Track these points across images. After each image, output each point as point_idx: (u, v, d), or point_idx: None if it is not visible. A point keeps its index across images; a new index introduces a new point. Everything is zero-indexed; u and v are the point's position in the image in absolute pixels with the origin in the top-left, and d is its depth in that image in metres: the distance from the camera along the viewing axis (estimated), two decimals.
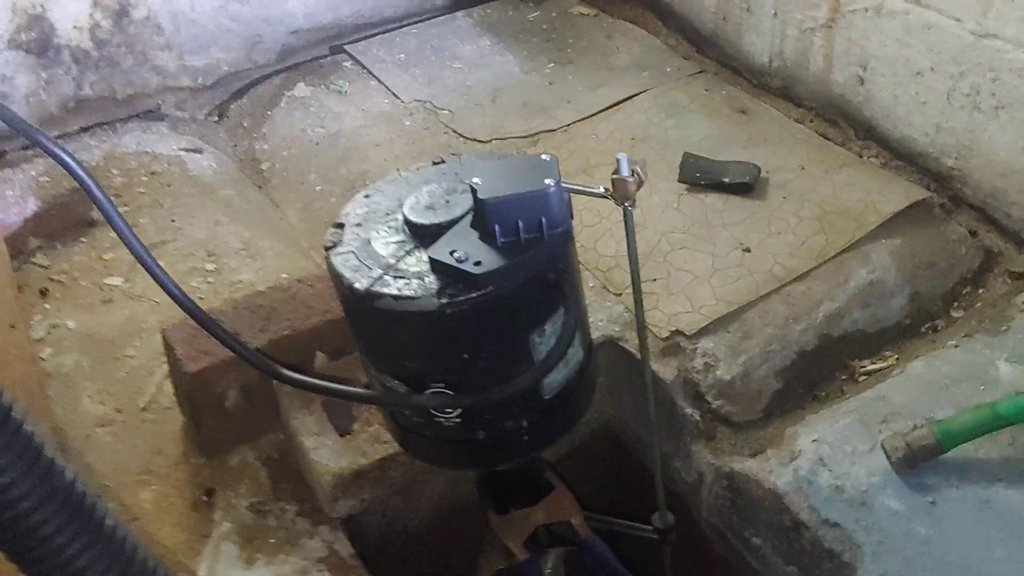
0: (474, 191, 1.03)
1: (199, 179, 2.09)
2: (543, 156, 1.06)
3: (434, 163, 1.23)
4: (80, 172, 1.00)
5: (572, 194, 1.05)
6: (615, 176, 1.04)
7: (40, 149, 0.97)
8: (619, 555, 1.42)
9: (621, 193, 1.04)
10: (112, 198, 1.93)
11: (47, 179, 1.94)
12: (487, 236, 1.03)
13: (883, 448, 1.36)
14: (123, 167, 2.08)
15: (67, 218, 1.90)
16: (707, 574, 1.68)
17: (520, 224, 1.01)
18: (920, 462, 1.34)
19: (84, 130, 2.23)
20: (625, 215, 1.08)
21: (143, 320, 1.72)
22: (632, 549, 1.49)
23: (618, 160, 1.03)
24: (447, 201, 1.10)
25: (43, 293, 1.78)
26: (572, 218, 1.08)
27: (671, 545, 1.41)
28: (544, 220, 1.02)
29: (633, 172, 1.04)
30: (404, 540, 1.59)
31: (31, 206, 1.87)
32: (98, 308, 1.75)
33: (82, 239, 1.90)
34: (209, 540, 1.36)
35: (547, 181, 1.01)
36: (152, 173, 2.07)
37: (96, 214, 1.93)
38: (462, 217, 1.06)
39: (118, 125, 2.25)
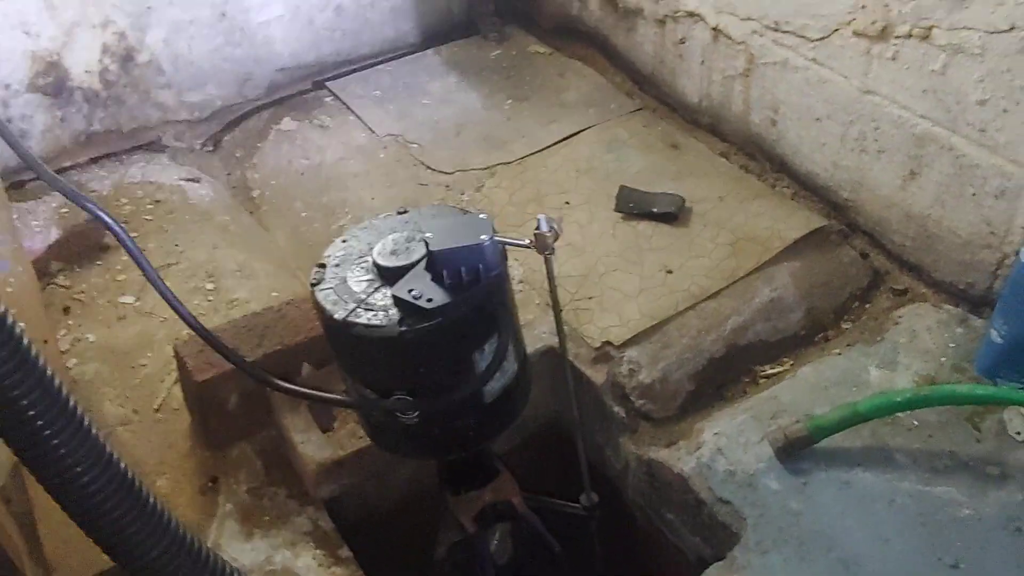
0: (427, 243, 1.32)
1: (198, 206, 2.36)
2: (481, 215, 1.35)
3: (399, 212, 1.51)
4: (109, 220, 1.23)
5: (504, 245, 1.34)
6: (536, 232, 1.32)
7: (72, 201, 1.21)
8: (558, 530, 1.71)
9: (541, 245, 1.33)
10: (123, 225, 2.22)
11: (66, 210, 2.20)
12: (437, 278, 1.31)
13: (767, 440, 1.66)
14: (130, 196, 2.35)
15: (84, 243, 2.17)
16: (634, 545, 1.98)
17: (462, 269, 1.30)
18: (796, 451, 1.64)
19: (93, 161, 2.49)
20: (546, 262, 1.37)
21: (154, 333, 1.99)
22: (569, 526, 1.77)
23: (539, 219, 1.32)
24: (407, 248, 1.38)
25: (66, 311, 2.05)
26: (506, 261, 1.37)
27: (597, 520, 1.71)
28: (481, 266, 1.30)
29: (551, 228, 1.33)
30: (378, 519, 1.87)
31: (53, 234, 2.14)
32: (114, 323, 2.02)
33: (98, 262, 2.17)
34: (215, 519, 1.64)
35: (483, 236, 1.30)
36: (156, 201, 2.34)
37: (109, 239, 2.20)
38: (418, 262, 1.35)
39: (124, 156, 2.51)
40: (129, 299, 2.07)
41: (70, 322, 2.02)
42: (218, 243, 2.23)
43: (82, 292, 2.09)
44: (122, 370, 1.92)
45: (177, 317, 1.98)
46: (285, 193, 2.43)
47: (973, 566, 1.45)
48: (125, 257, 2.19)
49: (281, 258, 2.23)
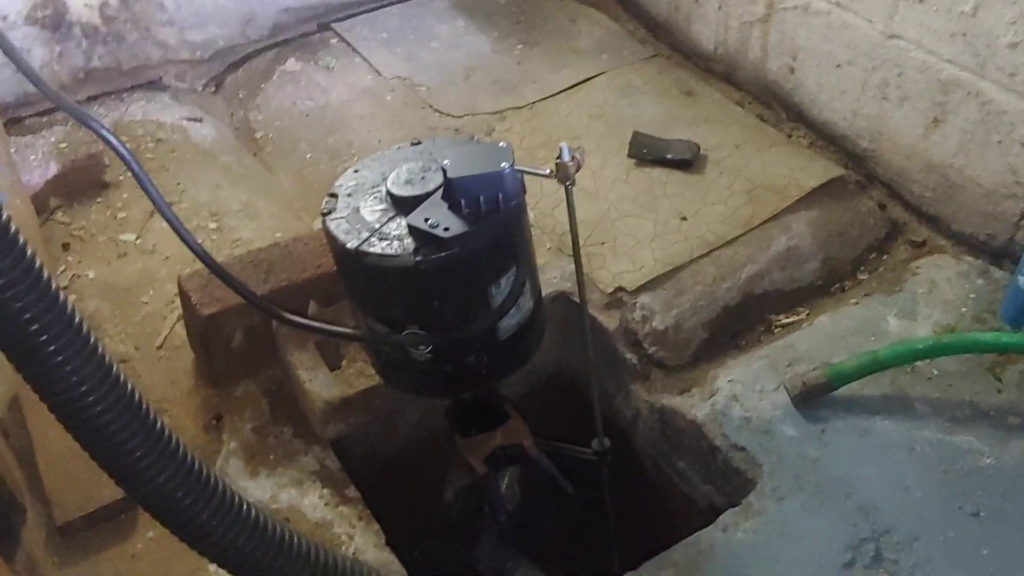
0: (444, 171, 1.27)
1: (200, 146, 2.30)
2: (501, 143, 1.30)
3: (412, 144, 1.46)
4: (115, 142, 1.19)
5: (524, 174, 1.29)
6: (558, 161, 1.27)
7: (80, 124, 1.16)
8: (568, 477, 1.69)
9: (563, 175, 1.28)
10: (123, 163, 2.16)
11: (65, 144, 2.15)
12: (454, 207, 1.26)
13: (784, 386, 1.63)
14: (131, 134, 2.29)
15: (84, 180, 2.12)
16: (643, 494, 1.95)
17: (481, 198, 1.25)
18: (814, 398, 1.61)
19: (92, 99, 2.44)
20: (567, 193, 1.33)
21: (155, 272, 1.95)
22: (579, 472, 1.74)
23: (560, 148, 1.27)
24: (423, 177, 1.33)
25: (65, 247, 2.00)
26: (525, 192, 1.33)
27: (607, 466, 1.68)
28: (500, 195, 1.26)
29: (573, 157, 1.28)
30: (384, 461, 1.84)
31: (52, 170, 2.09)
32: (114, 261, 1.98)
33: (98, 199, 2.12)
34: (219, 456, 1.61)
35: (503, 164, 1.25)
36: (158, 140, 2.28)
37: (109, 177, 2.15)
38: (434, 191, 1.30)
39: (124, 95, 2.45)
40: (130, 237, 2.03)
41: (69, 259, 1.98)
42: (221, 183, 2.18)
43: (82, 229, 2.04)
44: (123, 307, 1.87)
45: (179, 257, 1.96)
46: (289, 135, 2.37)
47: (994, 515, 1.42)
48: (126, 195, 2.14)
49: (285, 199, 2.19)
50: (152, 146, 2.27)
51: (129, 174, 2.15)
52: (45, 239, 1.99)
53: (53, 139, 2.17)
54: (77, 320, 0.96)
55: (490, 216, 1.26)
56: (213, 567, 1.39)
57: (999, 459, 1.49)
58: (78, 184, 2.11)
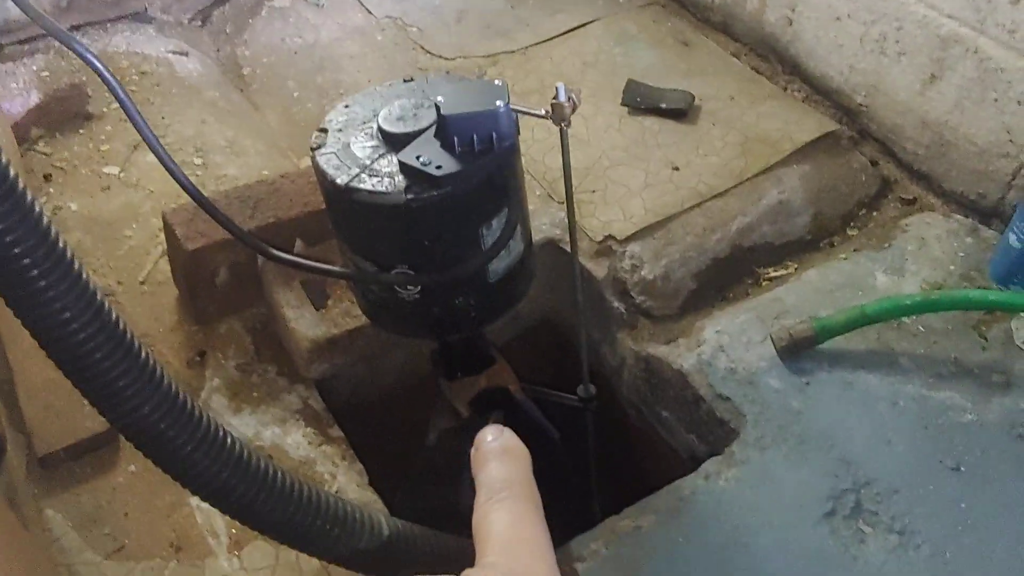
0: (438, 107, 1.24)
1: (185, 80, 2.26)
2: (497, 81, 1.28)
3: (405, 80, 1.43)
4: (100, 66, 1.16)
5: (518, 114, 1.27)
6: (554, 101, 1.25)
7: (66, 47, 1.12)
8: (549, 421, 1.69)
9: (559, 115, 1.26)
10: (106, 93, 2.11)
11: (47, 73, 2.10)
12: (447, 145, 1.24)
13: (771, 338, 1.63)
14: (115, 66, 2.24)
15: (66, 111, 2.07)
16: (626, 443, 1.96)
17: (475, 137, 1.23)
18: (800, 351, 1.61)
19: (75, 28, 2.37)
20: (562, 134, 1.30)
21: (139, 206, 1.92)
22: (563, 419, 1.75)
23: (557, 88, 1.25)
24: (415, 114, 1.31)
25: (47, 178, 1.96)
26: (519, 134, 1.30)
27: (592, 412, 1.68)
28: (495, 134, 1.23)
29: (569, 98, 1.26)
30: (367, 403, 1.83)
31: (33, 98, 2.04)
32: (97, 194, 1.94)
33: (80, 131, 2.07)
34: (202, 392, 1.60)
35: (498, 103, 1.22)
36: (142, 73, 2.24)
37: (93, 108, 2.10)
38: (427, 128, 1.27)
39: (108, 25, 2.39)
40: (113, 170, 1.99)
41: (51, 190, 1.94)
42: (206, 118, 2.14)
43: (64, 160, 2.00)
44: (106, 241, 1.84)
45: (164, 192, 1.92)
46: (277, 72, 2.33)
47: (974, 469, 1.43)
48: (109, 127, 2.10)
49: (272, 137, 2.15)
50: (136, 79, 2.22)
51: (113, 106, 2.12)
52: (26, 169, 1.95)
53: (35, 67, 2.12)
54: (61, 245, 0.94)
55: (483, 156, 1.24)
56: (195, 500, 1.39)
57: (981, 415, 1.50)
58: (60, 114, 2.07)
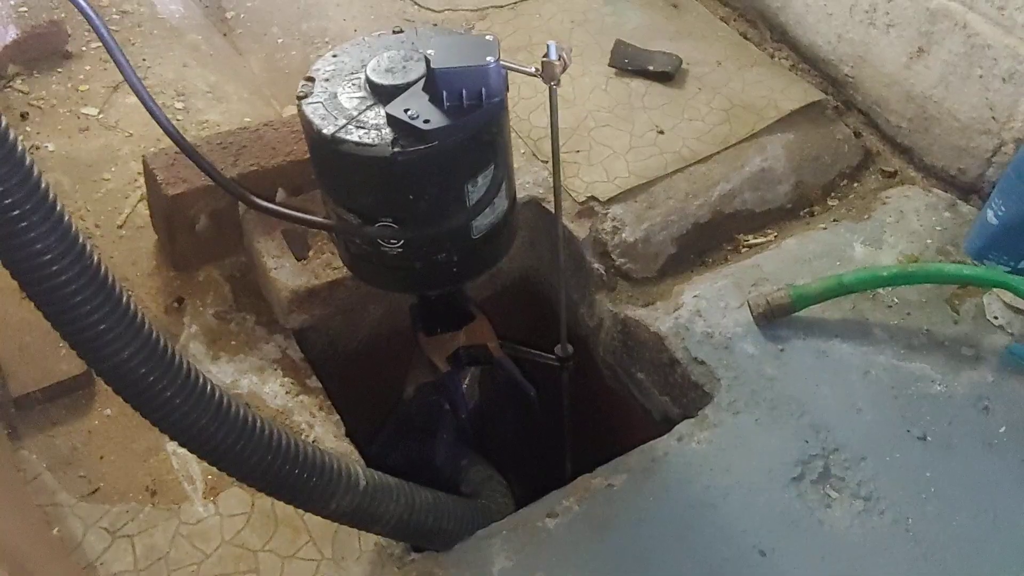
0: (428, 61, 1.23)
1: (167, 22, 2.22)
2: (487, 37, 1.27)
3: (394, 32, 1.42)
4: (84, 5, 1.14)
5: (508, 71, 1.27)
6: (545, 59, 1.25)
7: None
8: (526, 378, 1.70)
9: (548, 74, 1.25)
10: (86, 32, 2.07)
11: (25, 8, 2.05)
12: (436, 99, 1.23)
13: (748, 304, 1.65)
14: (96, 3, 2.19)
15: (44, 48, 2.03)
16: (600, 403, 1.98)
17: (464, 92, 1.22)
18: (776, 318, 1.63)
19: None
20: (551, 92, 1.30)
21: (118, 148, 1.89)
22: (540, 377, 1.76)
23: (548, 46, 1.24)
24: (404, 67, 1.30)
25: (23, 117, 1.93)
26: (508, 91, 1.30)
27: (569, 372, 1.70)
28: (484, 90, 1.23)
29: (560, 57, 1.25)
30: (344, 357, 1.84)
31: (11, 34, 1.99)
32: (75, 135, 1.91)
33: (58, 69, 2.04)
34: (180, 339, 1.59)
35: (488, 58, 1.22)
36: (123, 12, 2.19)
37: (72, 47, 2.06)
38: (416, 81, 1.27)
39: None
40: (92, 111, 1.96)
41: (27, 129, 1.91)
42: (188, 62, 2.11)
43: (41, 99, 1.97)
44: (83, 183, 1.82)
45: (143, 135, 1.90)
46: (261, 17, 2.29)
47: (940, 439, 1.46)
48: (88, 67, 2.06)
49: (255, 84, 2.12)
50: (117, 18, 2.18)
51: (93, 45, 2.08)
52: (3, 107, 1.91)
53: (12, 2, 2.07)
54: (43, 186, 0.93)
55: (472, 111, 1.24)
56: (172, 446, 1.39)
57: (949, 387, 1.53)
58: (38, 52, 2.03)
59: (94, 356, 1.03)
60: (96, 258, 1.00)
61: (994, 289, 1.61)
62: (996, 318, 1.61)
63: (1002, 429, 1.47)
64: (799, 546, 1.36)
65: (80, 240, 0.98)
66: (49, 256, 0.95)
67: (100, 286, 1.00)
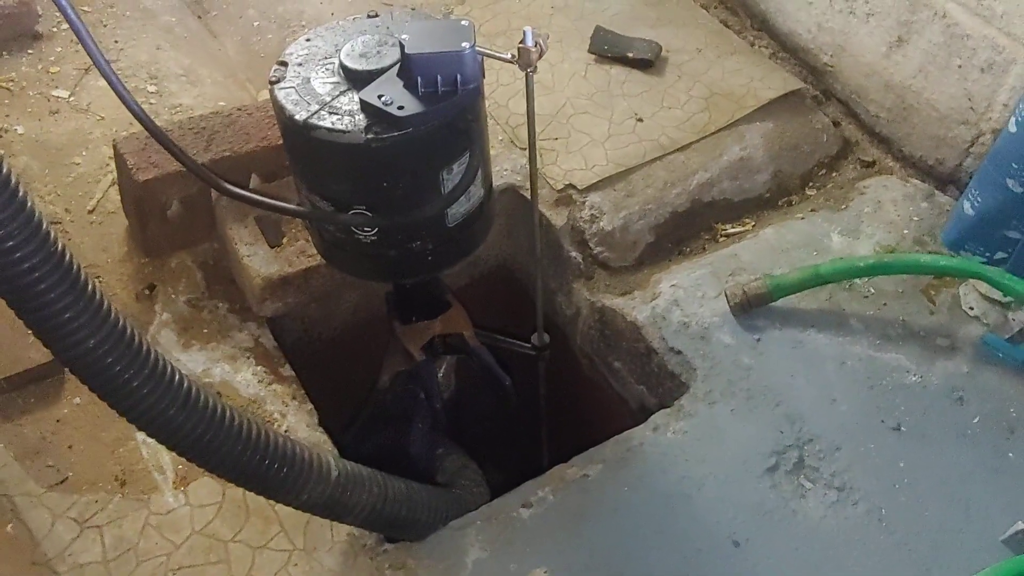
0: (402, 46, 1.21)
1: (140, 3, 2.18)
2: (463, 22, 1.25)
3: (369, 15, 1.39)
4: None
5: (484, 57, 1.25)
6: (521, 45, 1.23)
7: None
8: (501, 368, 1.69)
9: (524, 60, 1.24)
10: (56, 13, 2.03)
11: None
12: (410, 85, 1.21)
13: (725, 294, 1.64)
14: None
15: (14, 28, 1.99)
16: (576, 392, 1.98)
17: (439, 78, 1.21)
18: (753, 308, 1.63)
19: None
20: (527, 79, 1.28)
21: (89, 132, 1.86)
22: (515, 366, 1.75)
23: (524, 32, 1.23)
24: (378, 52, 1.28)
25: None
26: (484, 77, 1.28)
27: (545, 361, 1.69)
28: (459, 76, 1.21)
29: (536, 43, 1.24)
30: (318, 345, 1.82)
31: None
32: (46, 117, 1.88)
33: (28, 50, 2.00)
34: (151, 326, 1.57)
35: (464, 44, 1.20)
36: None
37: (42, 28, 2.02)
38: (390, 67, 1.25)
39: None
40: (63, 93, 1.93)
41: None
42: (161, 44, 2.07)
43: (11, 81, 1.93)
44: (54, 167, 1.79)
45: (115, 119, 1.87)
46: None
47: (914, 430, 1.47)
48: (59, 49, 2.03)
49: (230, 67, 2.09)
50: None
51: (64, 26, 2.04)
52: None
53: None
54: (5, 170, 0.91)
55: (447, 98, 1.22)
56: (141, 435, 1.37)
57: (924, 378, 1.53)
58: (7, 32, 1.99)
59: (59, 345, 1.01)
60: (60, 245, 0.98)
61: (970, 280, 1.61)
62: (971, 309, 1.62)
63: (976, 420, 1.48)
64: (773, 536, 1.36)
65: (44, 226, 0.96)
66: (12, 243, 0.93)
67: (65, 273, 0.98)
